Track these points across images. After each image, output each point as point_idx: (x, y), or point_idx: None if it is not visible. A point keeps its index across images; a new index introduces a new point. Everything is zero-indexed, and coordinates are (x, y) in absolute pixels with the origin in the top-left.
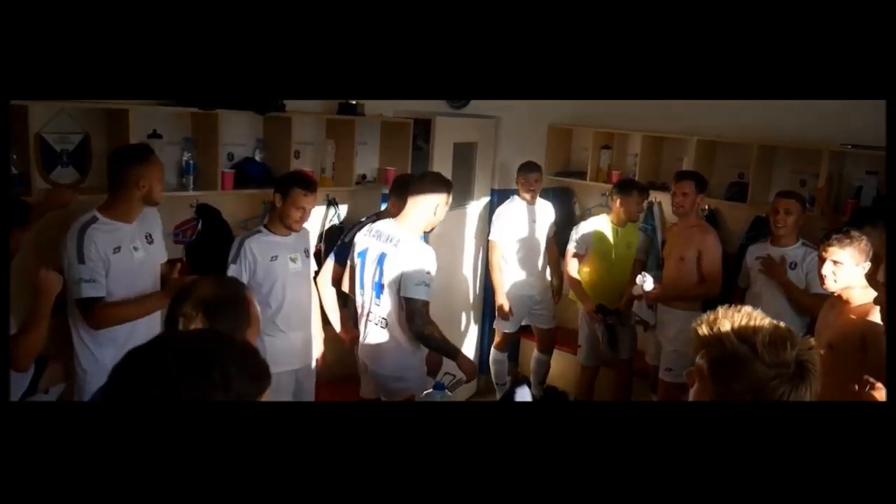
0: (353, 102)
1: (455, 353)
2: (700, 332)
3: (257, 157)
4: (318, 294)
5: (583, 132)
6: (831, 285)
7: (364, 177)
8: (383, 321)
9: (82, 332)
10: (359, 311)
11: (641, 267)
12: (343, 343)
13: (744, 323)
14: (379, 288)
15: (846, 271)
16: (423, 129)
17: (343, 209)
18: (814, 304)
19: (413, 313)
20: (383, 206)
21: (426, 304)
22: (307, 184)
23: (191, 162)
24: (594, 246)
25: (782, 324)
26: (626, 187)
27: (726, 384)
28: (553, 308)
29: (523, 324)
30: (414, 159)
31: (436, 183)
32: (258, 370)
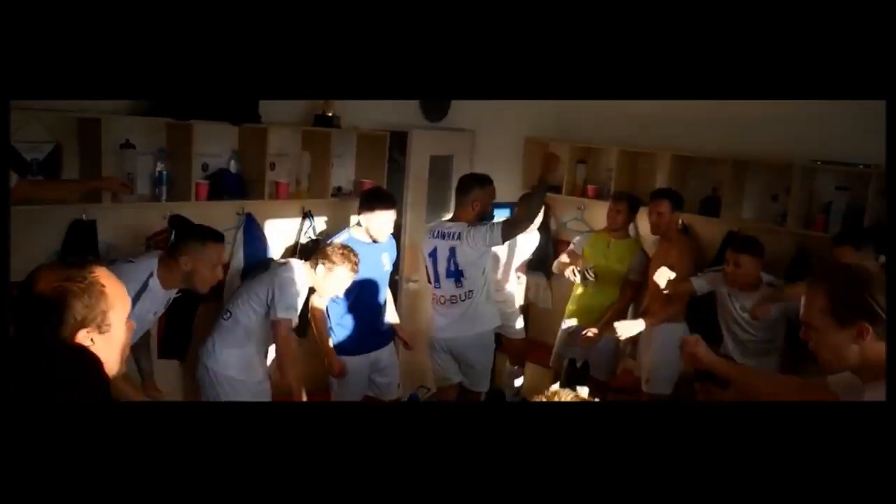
0: (330, 114)
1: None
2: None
3: (232, 169)
4: (316, 324)
5: (559, 146)
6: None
7: (340, 189)
8: (468, 294)
9: None
10: (437, 300)
11: (634, 288)
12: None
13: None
14: (458, 275)
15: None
16: (400, 141)
17: (318, 221)
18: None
19: (501, 233)
20: (354, 220)
21: (499, 223)
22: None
23: (164, 172)
24: (584, 251)
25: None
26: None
27: None
28: (522, 320)
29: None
30: (390, 172)
31: (471, 181)
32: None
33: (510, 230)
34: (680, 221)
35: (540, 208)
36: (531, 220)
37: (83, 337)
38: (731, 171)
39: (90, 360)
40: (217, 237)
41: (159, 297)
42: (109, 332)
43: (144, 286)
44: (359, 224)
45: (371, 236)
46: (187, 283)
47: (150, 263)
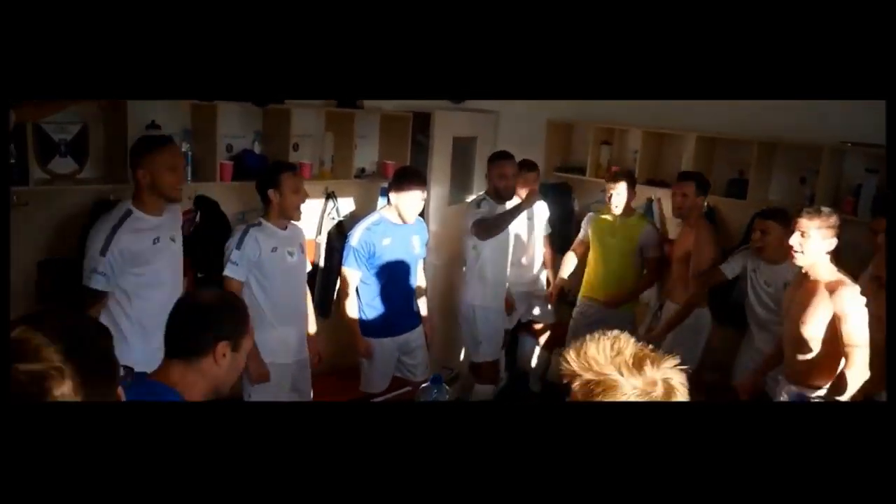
0: None
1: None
2: (568, 358)
3: (256, 149)
4: (347, 307)
5: (583, 127)
6: (799, 258)
7: (363, 170)
8: (463, 261)
9: None
10: None
11: (654, 266)
12: (360, 351)
13: (609, 346)
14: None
15: (812, 243)
16: (423, 122)
17: (342, 202)
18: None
19: (472, 226)
20: (382, 201)
21: (478, 219)
22: (291, 166)
23: (189, 153)
24: (590, 235)
25: (650, 347)
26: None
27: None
28: (549, 303)
29: (523, 320)
30: (413, 153)
31: (497, 157)
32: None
33: (476, 229)
34: (705, 205)
35: (507, 225)
36: (494, 232)
37: (222, 347)
38: (758, 153)
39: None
40: (162, 140)
41: (154, 223)
42: (238, 354)
43: (124, 217)
44: (388, 203)
45: (401, 216)
46: (156, 193)
47: (124, 204)
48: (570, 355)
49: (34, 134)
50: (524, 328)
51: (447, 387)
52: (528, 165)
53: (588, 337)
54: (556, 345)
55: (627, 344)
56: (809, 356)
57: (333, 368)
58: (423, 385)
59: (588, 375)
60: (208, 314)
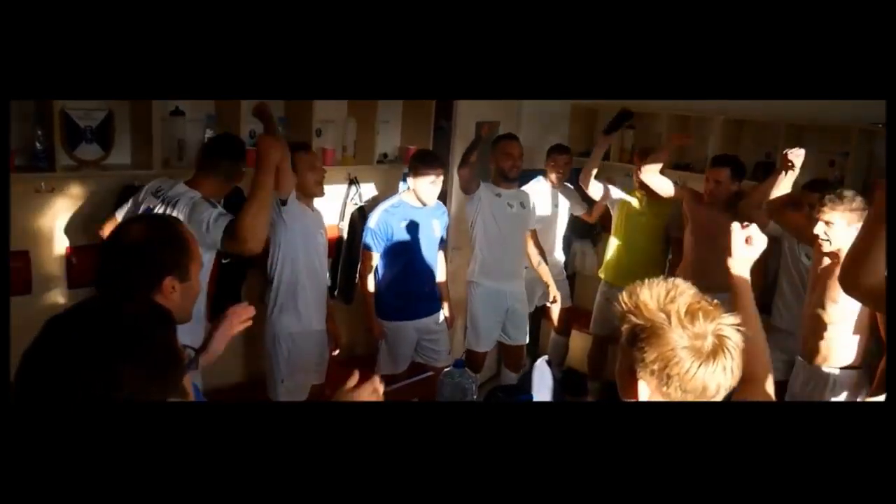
0: None
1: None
2: (621, 299)
3: None
4: (364, 288)
5: (607, 111)
6: (825, 246)
7: (385, 155)
8: None
9: None
10: None
11: (679, 245)
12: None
13: (663, 292)
14: None
15: (838, 231)
16: (446, 107)
17: (364, 188)
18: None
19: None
20: (403, 186)
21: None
22: (303, 145)
23: None
24: (618, 213)
25: (708, 298)
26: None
27: (639, 352)
28: (567, 287)
29: (538, 304)
30: (436, 138)
31: (501, 138)
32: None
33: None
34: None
35: (465, 160)
36: (461, 174)
37: (167, 284)
38: (786, 136)
39: (162, 316)
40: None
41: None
42: (188, 283)
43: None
44: (408, 187)
45: (419, 199)
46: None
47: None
48: (623, 296)
49: (61, 120)
50: (541, 313)
51: (469, 371)
52: (558, 149)
53: (646, 280)
54: (575, 329)
55: (684, 292)
56: (827, 335)
57: (353, 355)
58: (446, 370)
59: (636, 320)
60: (144, 254)
